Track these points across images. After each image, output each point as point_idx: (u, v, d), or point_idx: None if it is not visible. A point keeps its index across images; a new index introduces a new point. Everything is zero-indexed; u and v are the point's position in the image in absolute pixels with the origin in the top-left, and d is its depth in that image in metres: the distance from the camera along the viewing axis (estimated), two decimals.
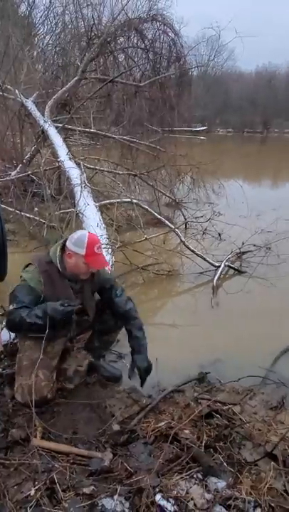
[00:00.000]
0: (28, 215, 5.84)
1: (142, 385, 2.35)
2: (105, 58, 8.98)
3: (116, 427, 2.08)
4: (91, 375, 2.61)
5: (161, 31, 8.94)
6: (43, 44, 12.46)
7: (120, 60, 9.37)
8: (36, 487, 1.67)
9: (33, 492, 1.65)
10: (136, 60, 9.38)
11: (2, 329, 2.71)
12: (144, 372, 2.31)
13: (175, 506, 1.60)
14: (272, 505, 1.68)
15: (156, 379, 2.68)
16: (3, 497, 1.65)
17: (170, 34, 8.98)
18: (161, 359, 2.92)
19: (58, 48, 10.46)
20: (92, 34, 8.64)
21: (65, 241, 2.27)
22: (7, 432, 2.01)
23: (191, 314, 3.94)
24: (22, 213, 5.79)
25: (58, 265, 2.23)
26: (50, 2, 11.91)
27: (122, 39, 8.99)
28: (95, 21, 8.98)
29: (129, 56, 9.30)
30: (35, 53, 11.16)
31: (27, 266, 2.27)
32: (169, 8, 9.65)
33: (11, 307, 2.15)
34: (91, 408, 2.29)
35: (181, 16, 10.22)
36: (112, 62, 9.18)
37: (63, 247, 2.26)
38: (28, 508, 1.56)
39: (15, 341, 2.62)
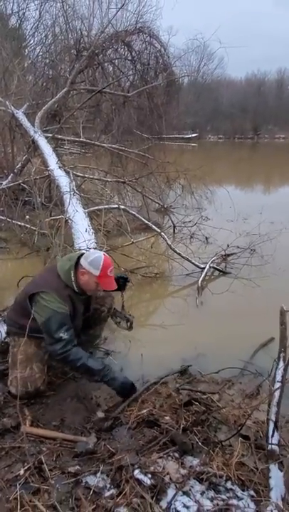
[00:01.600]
0: (19, 222, 5.98)
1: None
2: (94, 69, 9.21)
3: (100, 415, 2.23)
4: None
5: (147, 43, 9.23)
6: (33, 56, 12.70)
7: (108, 70, 9.63)
8: (25, 467, 1.82)
9: (22, 472, 1.80)
10: (124, 70, 9.66)
11: None
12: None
13: (152, 480, 1.75)
14: (242, 478, 1.84)
15: (141, 373, 2.84)
16: None
17: (156, 45, 9.27)
18: (147, 355, 3.10)
19: (47, 60, 10.69)
20: (81, 46, 8.91)
21: (77, 260, 2.39)
22: None
23: (177, 313, 4.09)
24: (13, 221, 5.93)
25: (75, 288, 2.37)
26: (40, 14, 12.21)
27: (110, 51, 9.25)
28: (83, 33, 9.25)
29: (117, 67, 9.57)
30: (25, 65, 11.37)
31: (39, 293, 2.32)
32: (155, 20, 9.88)
33: (61, 335, 2.23)
34: (78, 399, 2.44)
35: (170, 25, 10.55)
36: (101, 73, 9.42)
37: (76, 265, 2.39)
38: (18, 484, 1.71)
39: (6, 340, 2.76)
